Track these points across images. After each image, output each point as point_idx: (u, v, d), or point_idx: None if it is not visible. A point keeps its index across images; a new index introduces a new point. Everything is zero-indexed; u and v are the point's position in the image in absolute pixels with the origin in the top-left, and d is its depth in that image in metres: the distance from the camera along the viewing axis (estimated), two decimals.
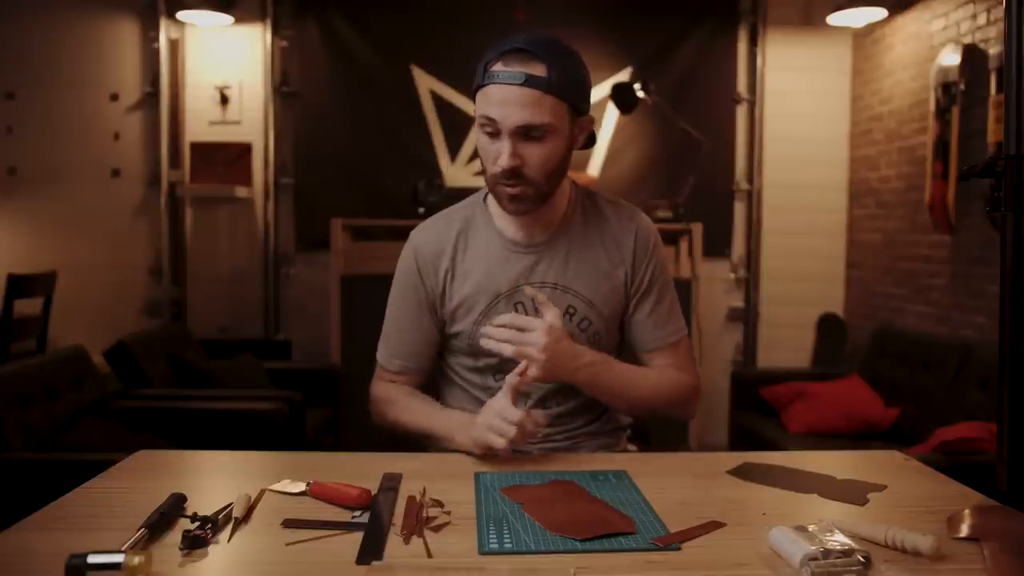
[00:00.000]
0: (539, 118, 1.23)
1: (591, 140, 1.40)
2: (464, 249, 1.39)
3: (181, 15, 3.93)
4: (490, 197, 1.42)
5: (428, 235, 1.42)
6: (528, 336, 1.23)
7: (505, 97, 1.23)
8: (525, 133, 1.24)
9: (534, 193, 1.29)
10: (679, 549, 0.92)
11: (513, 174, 1.26)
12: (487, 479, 1.16)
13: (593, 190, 1.47)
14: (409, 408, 1.41)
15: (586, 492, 1.10)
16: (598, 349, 1.38)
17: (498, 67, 1.24)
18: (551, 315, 1.26)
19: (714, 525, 0.98)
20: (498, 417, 1.21)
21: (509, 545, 0.92)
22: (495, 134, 1.26)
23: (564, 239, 1.39)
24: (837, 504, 1.07)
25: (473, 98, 1.32)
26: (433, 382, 1.51)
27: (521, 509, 1.03)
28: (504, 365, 1.38)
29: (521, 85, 1.22)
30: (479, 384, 1.42)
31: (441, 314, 1.41)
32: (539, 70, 1.23)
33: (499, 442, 1.19)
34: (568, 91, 1.26)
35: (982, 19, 3.10)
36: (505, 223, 1.39)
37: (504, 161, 1.24)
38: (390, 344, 1.45)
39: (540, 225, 1.38)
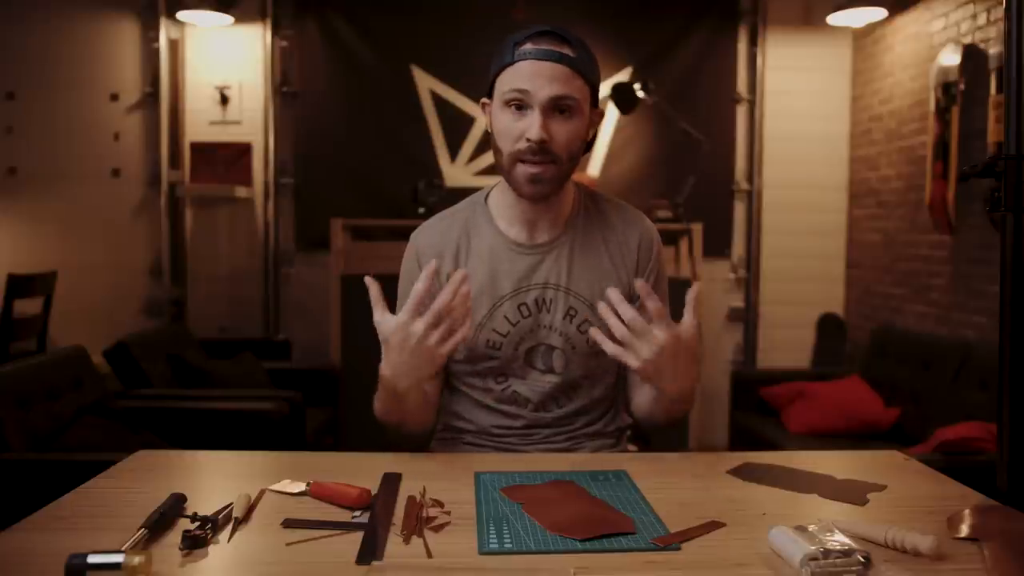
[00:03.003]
0: (570, 91, 1.25)
1: (591, 143, 1.40)
2: (466, 250, 1.38)
3: (181, 15, 3.93)
4: (491, 196, 1.41)
5: (429, 236, 1.41)
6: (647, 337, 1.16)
7: (539, 71, 1.24)
8: (554, 107, 1.25)
9: (556, 174, 1.28)
10: (679, 549, 0.92)
11: (541, 149, 1.25)
12: (487, 479, 1.15)
13: (596, 191, 1.46)
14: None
15: (586, 492, 1.10)
16: (596, 352, 1.38)
17: (529, 46, 1.26)
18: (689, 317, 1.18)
19: (714, 525, 0.98)
20: (418, 338, 1.15)
21: (509, 545, 0.92)
22: (522, 109, 1.26)
23: (567, 240, 1.38)
24: (837, 504, 1.07)
25: (491, 83, 1.31)
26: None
27: (521, 509, 1.03)
28: (505, 368, 1.37)
29: (555, 61, 1.24)
30: (480, 387, 1.40)
31: None
32: (569, 51, 1.26)
33: (446, 347, 1.15)
34: (592, 76, 1.29)
35: (982, 19, 3.11)
36: (507, 223, 1.38)
37: (534, 132, 1.24)
38: None
39: (545, 225, 1.37)
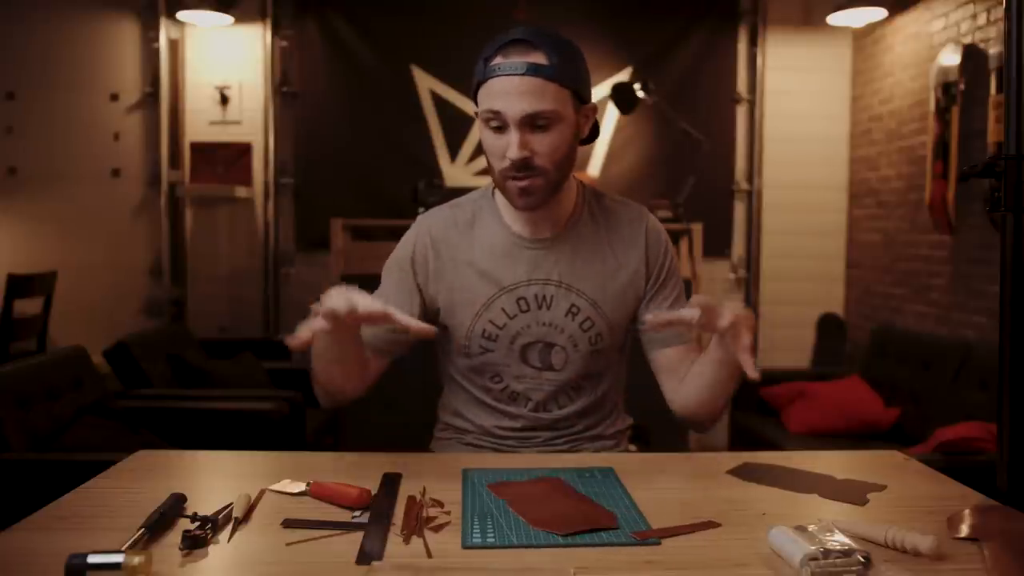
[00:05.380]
0: (544, 105, 1.22)
1: (595, 132, 1.38)
2: (470, 239, 1.38)
3: (181, 15, 3.93)
4: (498, 190, 1.42)
5: (436, 219, 1.40)
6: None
7: (508, 88, 1.22)
8: (531, 122, 1.23)
9: (544, 184, 1.27)
10: (659, 543, 0.92)
11: (523, 166, 1.24)
12: (475, 475, 1.17)
13: (600, 190, 1.46)
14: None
15: (571, 488, 1.11)
16: (599, 351, 1.37)
17: (498, 60, 1.23)
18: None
19: (705, 525, 0.98)
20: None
21: (492, 539, 0.93)
22: (501, 128, 1.24)
23: (571, 237, 1.37)
24: (837, 504, 1.07)
25: (474, 96, 1.30)
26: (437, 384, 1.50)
27: (506, 505, 1.04)
28: (500, 364, 1.37)
29: (523, 75, 1.21)
30: (479, 384, 1.40)
31: (431, 299, 1.37)
32: (540, 59, 1.22)
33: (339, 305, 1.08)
34: (570, 78, 1.25)
35: (982, 19, 3.10)
36: (512, 217, 1.37)
37: (513, 152, 1.23)
38: None
39: (548, 221, 1.36)
